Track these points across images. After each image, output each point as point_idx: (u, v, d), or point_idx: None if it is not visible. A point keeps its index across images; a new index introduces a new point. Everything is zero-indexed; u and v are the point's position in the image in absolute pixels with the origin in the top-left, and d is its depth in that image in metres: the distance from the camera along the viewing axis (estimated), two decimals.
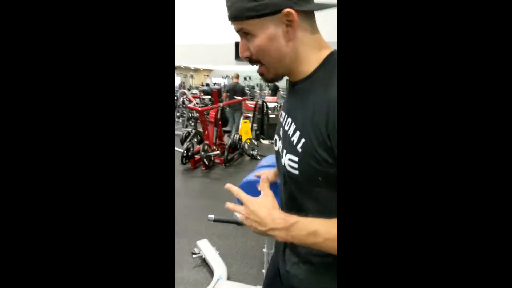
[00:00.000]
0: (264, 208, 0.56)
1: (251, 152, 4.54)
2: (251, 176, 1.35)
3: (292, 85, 0.62)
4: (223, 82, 14.44)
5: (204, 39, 6.94)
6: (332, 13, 0.64)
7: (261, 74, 0.62)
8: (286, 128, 0.60)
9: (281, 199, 0.67)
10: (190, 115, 5.72)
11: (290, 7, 0.53)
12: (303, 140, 0.55)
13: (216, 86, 8.11)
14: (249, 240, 2.27)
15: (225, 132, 5.12)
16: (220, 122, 4.44)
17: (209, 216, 1.34)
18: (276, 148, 0.67)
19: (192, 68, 16.60)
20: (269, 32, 0.55)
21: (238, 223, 1.39)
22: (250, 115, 5.70)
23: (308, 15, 0.57)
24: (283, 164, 0.60)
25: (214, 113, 4.24)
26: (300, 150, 0.56)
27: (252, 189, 1.34)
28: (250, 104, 6.09)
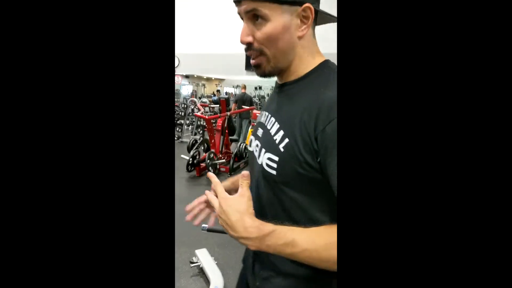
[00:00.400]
0: (236, 212, 0.50)
1: None
2: None
3: (280, 86, 0.61)
4: (233, 91, 14.59)
5: (216, 49, 7.06)
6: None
7: (257, 65, 0.57)
8: (269, 127, 0.58)
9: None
10: (198, 123, 5.78)
11: (311, 3, 0.53)
12: (286, 140, 0.53)
13: (224, 95, 8.20)
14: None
15: (232, 140, 5.13)
16: (226, 131, 4.46)
17: (203, 225, 1.33)
18: (251, 149, 0.64)
19: (204, 77, 16.86)
20: (284, 21, 0.52)
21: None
22: None
23: (316, 18, 0.56)
24: (259, 163, 0.58)
25: (221, 122, 4.27)
26: (282, 149, 0.53)
27: None
28: (259, 113, 6.10)
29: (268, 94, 15.04)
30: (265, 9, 0.52)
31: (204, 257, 2.00)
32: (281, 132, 0.54)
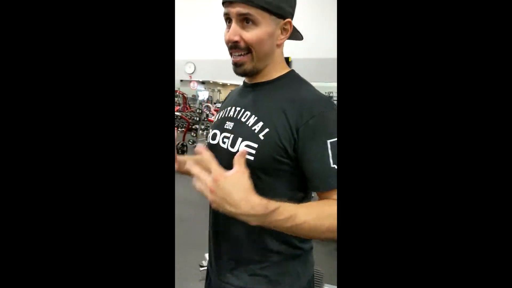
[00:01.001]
0: (240, 191, 0.50)
1: None
2: None
3: (252, 85, 0.70)
4: None
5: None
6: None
7: (240, 63, 0.64)
8: (243, 120, 0.66)
9: None
10: None
11: (291, 19, 0.64)
12: (266, 130, 0.62)
13: None
14: None
15: None
16: None
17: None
18: (215, 141, 0.70)
19: (220, 83, 17.04)
20: (270, 29, 0.62)
21: None
22: None
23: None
24: (234, 151, 0.64)
25: None
26: (262, 137, 0.62)
27: None
28: None
29: None
30: (257, 15, 0.60)
31: None
32: (260, 123, 0.63)
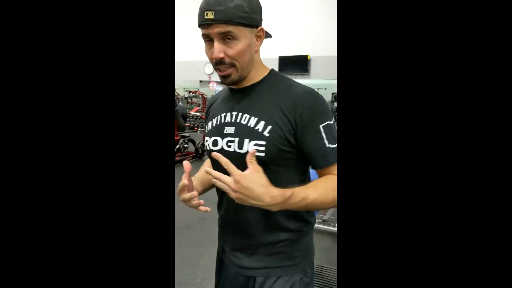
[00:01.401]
0: (260, 186, 0.61)
1: None
2: None
3: (241, 89, 0.76)
4: None
5: None
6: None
7: (227, 75, 0.71)
8: (244, 122, 0.72)
9: None
10: None
11: (262, 26, 0.71)
12: (270, 127, 0.69)
13: None
14: None
15: None
16: None
17: None
18: (218, 147, 0.75)
19: None
20: (248, 40, 0.69)
21: None
22: None
23: None
24: (245, 151, 0.70)
25: None
26: (267, 135, 0.70)
27: None
28: None
29: None
30: (236, 31, 0.66)
31: None
32: (262, 122, 0.70)
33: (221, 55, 0.67)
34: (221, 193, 0.81)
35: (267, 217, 0.71)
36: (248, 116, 0.72)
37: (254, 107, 0.73)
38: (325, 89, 8.38)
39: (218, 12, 0.64)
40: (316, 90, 0.73)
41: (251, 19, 0.68)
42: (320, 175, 0.73)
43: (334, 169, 0.70)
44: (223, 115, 0.77)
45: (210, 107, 0.86)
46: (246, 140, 0.71)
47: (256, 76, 0.75)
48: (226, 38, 0.66)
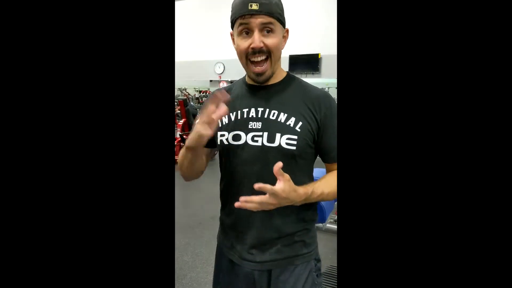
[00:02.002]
0: (293, 192, 0.66)
1: None
2: None
3: (265, 87, 0.79)
4: None
5: None
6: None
7: (263, 72, 0.74)
8: (273, 118, 0.76)
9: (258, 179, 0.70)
10: None
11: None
12: (300, 123, 0.75)
13: None
14: None
15: None
16: None
17: None
18: (241, 142, 0.76)
19: None
20: (281, 36, 0.75)
21: None
22: None
23: None
24: (277, 144, 0.74)
25: None
26: (299, 130, 0.75)
27: None
28: None
29: None
30: (274, 25, 0.72)
31: None
32: (293, 118, 0.75)
33: (261, 44, 0.71)
34: (227, 195, 0.82)
35: (288, 210, 0.74)
36: (276, 112, 0.76)
37: (282, 104, 0.78)
38: (336, 87, 8.30)
39: (263, 4, 0.70)
40: (326, 88, 0.77)
41: (283, 17, 0.75)
42: (330, 169, 0.83)
43: None
44: (245, 110, 0.78)
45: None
46: (278, 135, 0.75)
47: (279, 75, 0.81)
48: (265, 29, 0.71)
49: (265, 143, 0.76)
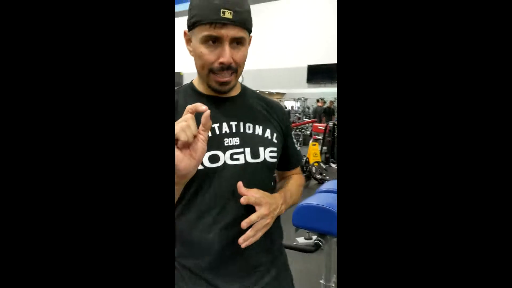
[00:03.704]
0: (273, 205, 0.64)
1: (318, 175, 4.40)
2: (308, 201, 1.30)
3: (226, 99, 0.70)
4: (294, 104, 14.61)
5: (276, 64, 7.21)
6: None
7: (227, 82, 0.64)
8: (250, 131, 0.69)
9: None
10: None
11: None
12: (275, 134, 0.72)
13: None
14: (308, 266, 2.15)
15: None
16: None
17: None
18: (220, 163, 0.64)
19: (266, 92, 17.31)
20: (247, 46, 0.66)
21: (293, 248, 1.33)
22: (320, 137, 5.58)
23: None
24: (262, 159, 0.68)
25: None
26: (276, 141, 0.72)
27: (308, 213, 1.29)
28: (320, 126, 5.99)
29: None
30: (245, 37, 0.62)
31: None
32: (268, 130, 0.71)
33: (231, 60, 0.61)
34: (202, 228, 0.66)
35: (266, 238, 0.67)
36: (251, 125, 0.69)
37: (253, 116, 0.70)
38: None
39: (237, 13, 0.58)
40: None
41: (251, 26, 0.64)
42: (287, 174, 0.83)
43: (299, 168, 0.86)
44: (215, 126, 0.66)
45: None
46: (261, 149, 0.68)
47: (237, 85, 0.72)
48: (235, 42, 0.61)
49: (249, 159, 0.66)
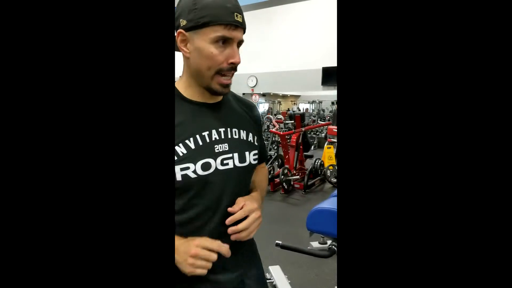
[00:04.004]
0: (256, 202, 0.69)
1: (333, 179, 4.34)
2: (322, 205, 1.28)
3: (214, 105, 0.71)
4: (309, 107, 14.50)
5: (291, 66, 7.20)
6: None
7: (229, 84, 0.68)
8: (236, 137, 0.72)
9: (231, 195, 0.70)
10: (273, 139, 5.90)
11: None
12: (255, 137, 0.76)
13: (299, 111, 8.26)
14: (323, 272, 2.12)
15: (307, 157, 5.05)
16: (301, 147, 4.42)
17: (277, 241, 1.32)
18: (211, 170, 0.67)
19: (280, 95, 17.25)
20: None
21: (307, 253, 1.31)
22: (335, 140, 5.51)
23: None
24: (248, 163, 0.73)
25: (295, 138, 4.26)
26: (256, 144, 0.76)
27: (322, 217, 1.26)
28: (335, 129, 5.91)
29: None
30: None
31: (277, 275, 1.97)
32: (250, 134, 0.75)
33: (240, 60, 0.65)
34: (193, 230, 0.68)
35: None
36: (236, 130, 0.72)
37: (237, 121, 0.74)
38: None
39: (243, 18, 0.63)
40: None
41: None
42: (258, 169, 0.86)
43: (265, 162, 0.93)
44: (205, 134, 0.67)
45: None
46: (247, 153, 0.72)
47: None
48: (238, 44, 0.65)
49: (237, 164, 0.70)
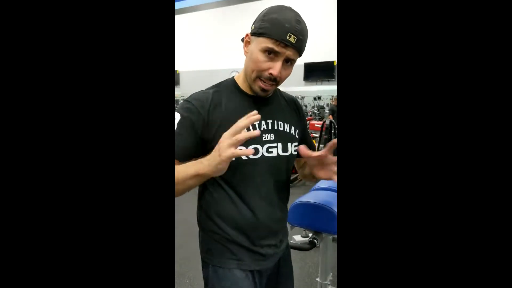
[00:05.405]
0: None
1: None
2: (303, 198, 1.30)
3: (265, 99, 0.82)
4: None
5: None
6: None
7: (269, 90, 0.77)
8: (281, 129, 0.84)
9: (269, 186, 0.81)
10: None
11: None
12: (297, 130, 0.88)
13: None
14: (307, 266, 2.16)
15: None
16: None
17: None
18: (258, 155, 0.79)
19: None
20: (293, 65, 0.79)
21: (290, 247, 1.33)
22: (317, 135, 5.58)
23: None
24: (289, 153, 0.84)
25: None
26: (297, 137, 0.87)
27: (303, 211, 1.28)
28: (317, 124, 5.99)
29: (328, 104, 14.61)
30: (295, 58, 0.75)
31: None
32: (293, 127, 0.86)
33: (280, 75, 0.74)
34: (236, 204, 0.81)
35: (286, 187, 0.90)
36: (282, 123, 0.84)
37: (283, 115, 0.86)
38: None
39: (299, 41, 0.71)
40: None
41: None
42: (304, 160, 0.93)
43: None
44: (256, 123, 0.80)
45: (211, 113, 0.78)
46: (289, 144, 0.84)
47: None
48: (286, 61, 0.74)
49: (280, 153, 0.83)
